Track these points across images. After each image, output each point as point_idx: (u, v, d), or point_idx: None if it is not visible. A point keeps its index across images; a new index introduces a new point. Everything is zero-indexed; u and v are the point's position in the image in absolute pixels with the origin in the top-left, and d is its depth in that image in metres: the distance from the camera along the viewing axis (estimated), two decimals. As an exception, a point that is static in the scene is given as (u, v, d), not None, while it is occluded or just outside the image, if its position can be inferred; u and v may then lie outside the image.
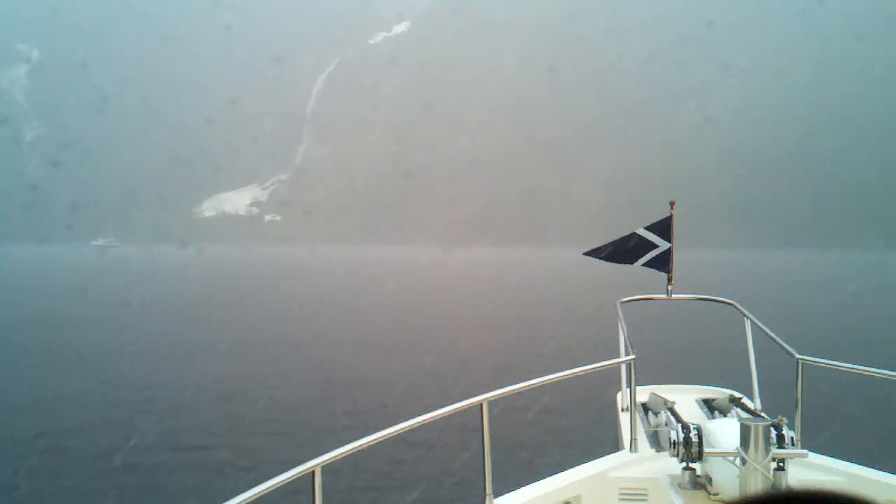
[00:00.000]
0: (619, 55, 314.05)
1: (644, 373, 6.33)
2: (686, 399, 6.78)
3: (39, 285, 75.93)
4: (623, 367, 6.49)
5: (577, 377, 5.71)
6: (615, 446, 5.98)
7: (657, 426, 6.10)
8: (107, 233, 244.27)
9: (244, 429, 18.57)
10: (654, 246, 7.13)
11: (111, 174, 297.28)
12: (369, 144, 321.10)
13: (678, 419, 5.92)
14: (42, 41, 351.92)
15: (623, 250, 7.17)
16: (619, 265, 7.31)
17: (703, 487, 4.70)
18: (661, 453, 5.45)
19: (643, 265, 7.13)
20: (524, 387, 5.13)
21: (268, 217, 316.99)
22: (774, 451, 4.29)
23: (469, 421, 5.60)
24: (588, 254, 7.46)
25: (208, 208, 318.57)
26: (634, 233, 7.19)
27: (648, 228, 7.21)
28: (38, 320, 42.44)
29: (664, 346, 28.03)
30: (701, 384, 7.46)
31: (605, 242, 7.45)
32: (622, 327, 6.55)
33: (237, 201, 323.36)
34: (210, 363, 28.55)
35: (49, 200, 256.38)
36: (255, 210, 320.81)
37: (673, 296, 7.17)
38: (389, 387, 23.74)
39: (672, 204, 7.16)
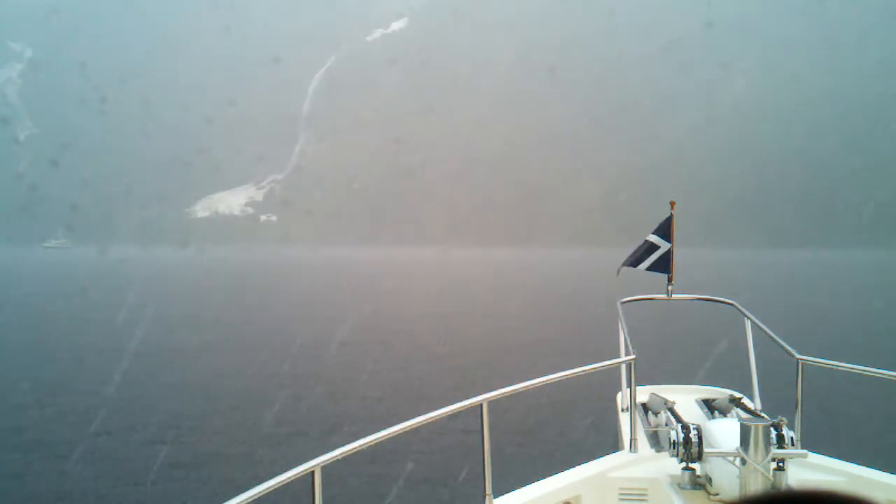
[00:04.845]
0: (619, 55, 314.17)
1: (644, 373, 6.33)
2: (686, 399, 6.79)
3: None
4: (623, 367, 6.49)
5: (577, 377, 5.72)
6: (615, 446, 5.99)
7: (657, 426, 6.10)
8: (58, 234, 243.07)
9: (243, 429, 18.56)
10: (657, 248, 7.19)
11: (102, 174, 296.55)
12: (367, 143, 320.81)
13: (678, 419, 5.92)
14: (36, 40, 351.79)
15: (634, 255, 7.32)
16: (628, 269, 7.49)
17: (702, 487, 4.70)
18: (661, 453, 5.45)
19: (646, 269, 7.21)
20: (524, 387, 5.14)
21: (263, 217, 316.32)
22: (774, 451, 4.30)
23: (469, 421, 5.60)
24: (619, 271, 7.62)
25: (202, 209, 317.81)
26: (646, 240, 7.29)
27: (654, 233, 7.29)
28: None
29: (664, 346, 28.03)
30: (701, 384, 7.47)
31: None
32: (622, 327, 6.56)
33: (232, 201, 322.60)
34: (208, 364, 28.54)
35: (43, 201, 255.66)
36: (250, 210, 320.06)
37: (673, 296, 7.19)
38: (389, 387, 23.75)
39: (672, 204, 7.19)
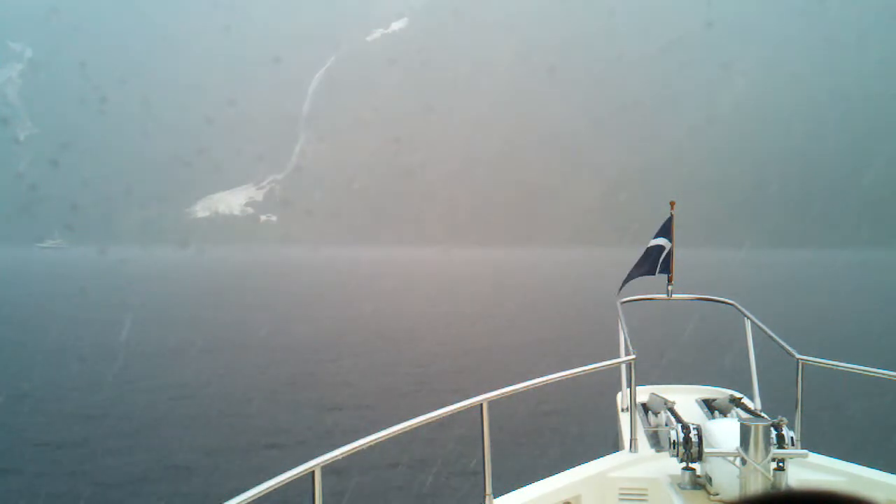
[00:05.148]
0: (619, 55, 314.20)
1: (644, 373, 6.33)
2: (686, 399, 6.79)
3: None
4: (623, 367, 6.49)
5: (577, 377, 5.71)
6: (615, 446, 5.99)
7: (657, 426, 6.10)
8: (54, 234, 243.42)
9: (242, 429, 18.56)
10: (662, 249, 7.20)
11: (102, 174, 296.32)
12: (367, 143, 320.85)
13: (678, 419, 5.92)
14: (36, 40, 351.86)
15: (642, 263, 7.29)
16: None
17: (702, 487, 4.70)
18: (661, 453, 5.45)
19: (659, 272, 7.22)
20: (524, 387, 5.13)
21: (263, 217, 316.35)
22: (774, 451, 4.29)
23: (469, 421, 5.60)
24: (621, 289, 7.48)
25: (202, 209, 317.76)
26: (651, 245, 7.28)
27: (657, 236, 7.29)
28: None
29: (664, 346, 28.01)
30: (701, 384, 7.46)
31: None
32: (622, 327, 6.55)
33: (232, 201, 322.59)
34: (208, 364, 28.54)
35: (43, 201, 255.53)
36: (250, 210, 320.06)
37: (673, 296, 7.19)
38: (389, 387, 23.75)
39: (672, 204, 7.19)
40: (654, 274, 7.27)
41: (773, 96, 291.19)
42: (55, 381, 24.78)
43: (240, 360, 28.77)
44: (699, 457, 4.59)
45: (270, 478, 3.50)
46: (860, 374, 5.85)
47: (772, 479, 4.25)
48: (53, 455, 16.36)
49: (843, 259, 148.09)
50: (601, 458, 5.55)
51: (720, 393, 7.08)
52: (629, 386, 5.96)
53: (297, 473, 3.64)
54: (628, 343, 6.17)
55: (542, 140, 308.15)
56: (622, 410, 6.51)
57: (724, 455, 4.41)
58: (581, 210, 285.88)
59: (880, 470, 5.18)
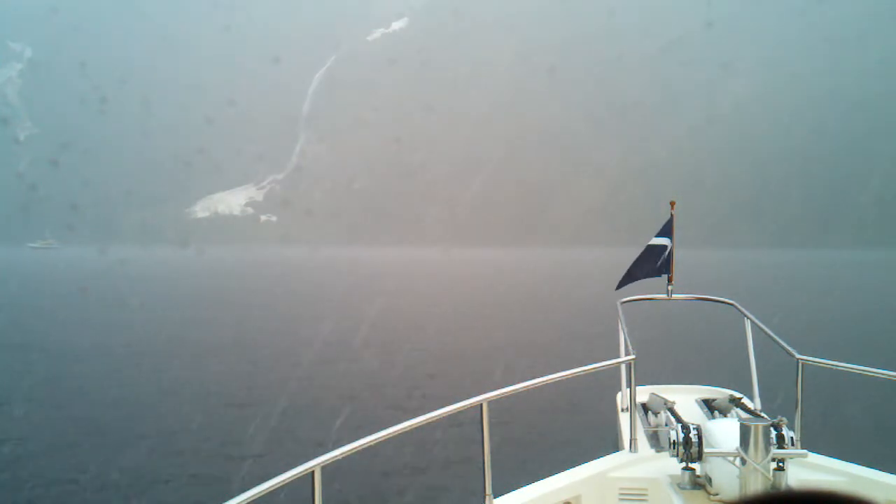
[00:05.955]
0: (619, 55, 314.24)
1: (644, 373, 6.33)
2: (686, 399, 6.79)
3: None
4: (623, 367, 6.49)
5: (577, 377, 5.71)
6: (615, 446, 5.99)
7: (657, 426, 6.10)
8: (45, 234, 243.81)
9: (242, 430, 18.56)
10: (664, 249, 7.19)
11: (102, 174, 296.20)
12: (367, 143, 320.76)
13: (678, 419, 5.92)
14: (36, 40, 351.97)
15: (645, 263, 7.24)
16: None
17: (702, 487, 4.70)
18: (661, 453, 5.45)
19: (663, 273, 7.20)
20: (524, 387, 5.13)
21: (263, 217, 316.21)
22: (774, 451, 4.29)
23: (469, 421, 5.58)
24: (620, 286, 7.43)
25: (202, 209, 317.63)
26: (648, 245, 7.26)
27: (658, 235, 7.27)
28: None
29: (664, 346, 28.01)
30: (701, 384, 7.46)
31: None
32: (622, 327, 6.55)
33: (232, 201, 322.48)
34: (207, 365, 28.54)
35: (43, 201, 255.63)
36: (250, 210, 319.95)
37: (673, 296, 7.18)
38: (389, 387, 23.74)
39: (672, 204, 7.18)
40: (659, 275, 7.26)
41: (773, 96, 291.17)
42: (53, 381, 24.79)
43: (240, 361, 28.76)
44: (699, 457, 4.59)
45: (270, 478, 3.50)
46: (860, 374, 5.84)
47: (772, 479, 4.25)
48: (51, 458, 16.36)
49: (843, 259, 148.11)
50: (601, 458, 5.55)
51: (720, 393, 7.08)
52: (629, 386, 5.95)
53: (297, 473, 3.64)
54: (628, 343, 6.16)
55: (542, 140, 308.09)
56: (622, 410, 6.51)
57: (724, 455, 4.41)
58: (581, 210, 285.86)
59: (880, 470, 5.18)
